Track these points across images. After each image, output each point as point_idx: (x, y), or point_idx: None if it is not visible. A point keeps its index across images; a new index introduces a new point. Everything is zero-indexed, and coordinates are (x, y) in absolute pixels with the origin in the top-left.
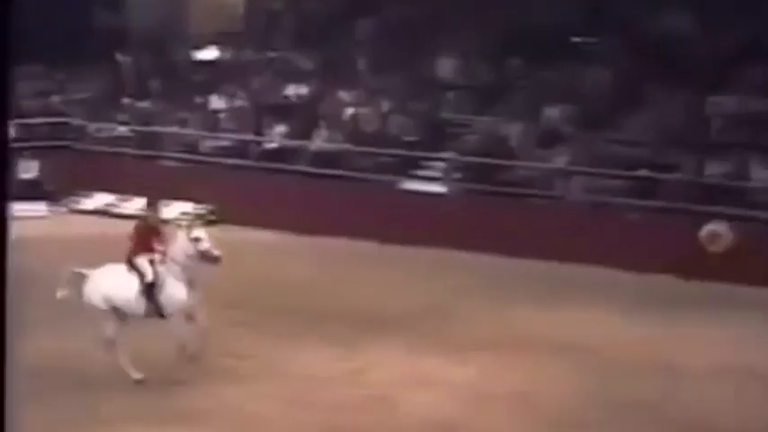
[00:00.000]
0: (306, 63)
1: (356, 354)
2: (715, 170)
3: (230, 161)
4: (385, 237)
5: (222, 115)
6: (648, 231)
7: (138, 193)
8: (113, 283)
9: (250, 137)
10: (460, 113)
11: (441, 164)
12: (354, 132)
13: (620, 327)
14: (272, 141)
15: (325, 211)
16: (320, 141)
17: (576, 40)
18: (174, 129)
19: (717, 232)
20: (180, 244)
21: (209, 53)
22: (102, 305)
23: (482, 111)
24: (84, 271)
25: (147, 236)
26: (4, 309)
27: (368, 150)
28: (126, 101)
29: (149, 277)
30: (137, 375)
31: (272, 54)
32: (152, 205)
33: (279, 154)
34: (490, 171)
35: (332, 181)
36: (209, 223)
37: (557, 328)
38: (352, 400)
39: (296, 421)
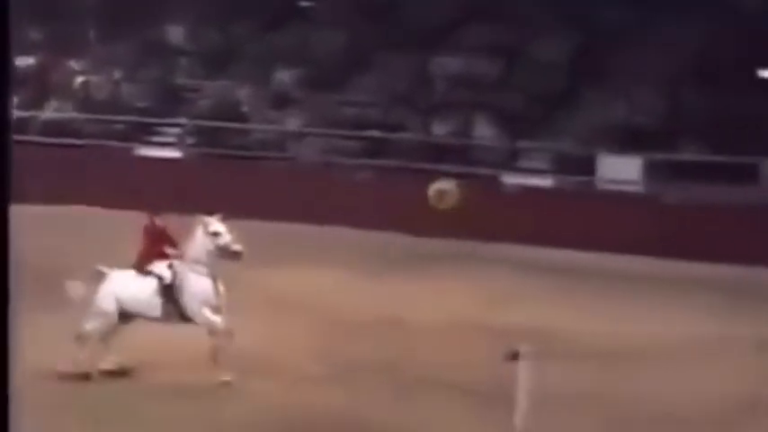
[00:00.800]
0: (33, 34)
1: None
2: (441, 130)
3: None
4: (122, 204)
5: None
6: (380, 190)
7: None
8: (129, 286)
9: None
10: (192, 79)
11: (175, 129)
12: (86, 100)
13: (354, 285)
14: None
15: (60, 181)
16: (51, 111)
17: (304, 3)
18: None
19: (444, 190)
20: (198, 241)
21: None
22: (113, 307)
23: (213, 76)
24: (104, 269)
25: (158, 240)
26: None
27: (100, 118)
28: None
29: (167, 280)
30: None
31: None
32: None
33: None
34: (224, 135)
35: (65, 150)
36: None
37: (291, 287)
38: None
39: (42, 392)
